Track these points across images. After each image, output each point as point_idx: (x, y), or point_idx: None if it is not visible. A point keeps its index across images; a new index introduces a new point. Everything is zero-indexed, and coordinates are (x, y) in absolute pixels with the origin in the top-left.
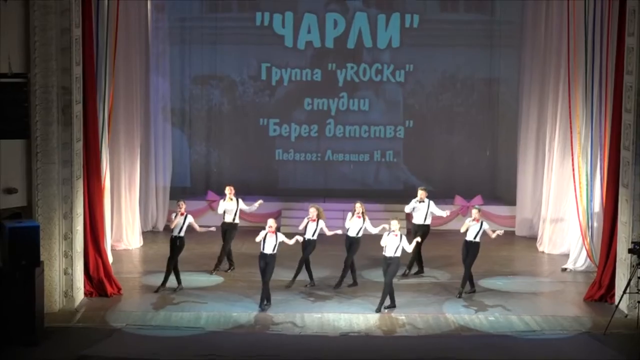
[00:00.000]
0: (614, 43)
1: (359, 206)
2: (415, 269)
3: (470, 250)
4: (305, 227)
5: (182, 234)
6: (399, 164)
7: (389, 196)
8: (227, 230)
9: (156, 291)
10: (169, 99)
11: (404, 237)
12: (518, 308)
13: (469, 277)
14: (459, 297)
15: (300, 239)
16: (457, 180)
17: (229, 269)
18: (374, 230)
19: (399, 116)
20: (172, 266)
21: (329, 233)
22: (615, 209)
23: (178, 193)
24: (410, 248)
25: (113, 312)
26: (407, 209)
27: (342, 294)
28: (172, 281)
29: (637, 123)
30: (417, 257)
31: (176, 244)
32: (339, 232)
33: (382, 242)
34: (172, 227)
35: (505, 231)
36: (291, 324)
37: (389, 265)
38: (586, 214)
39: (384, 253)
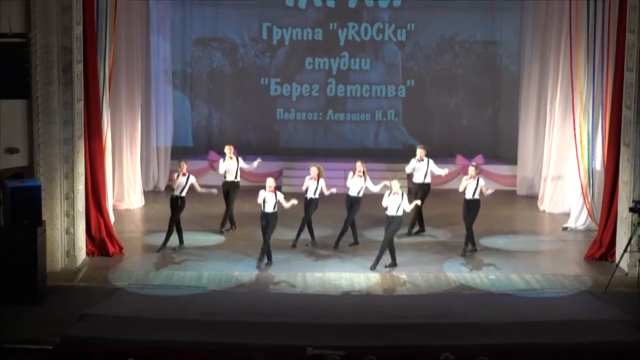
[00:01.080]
0: (616, 2)
1: (359, 165)
2: (416, 228)
3: (471, 208)
4: (307, 186)
5: (183, 193)
6: (399, 123)
7: (390, 156)
8: (230, 189)
9: (158, 251)
10: (170, 61)
11: (405, 196)
12: (519, 266)
13: (471, 236)
14: (463, 255)
15: (295, 202)
16: (458, 139)
17: (230, 228)
18: (375, 189)
19: (400, 76)
20: (174, 226)
21: (326, 192)
22: (616, 167)
23: (180, 153)
24: (409, 208)
25: (115, 271)
26: (408, 169)
27: (344, 253)
28: (173, 241)
29: (639, 82)
30: (418, 216)
31: (177, 204)
32: (334, 190)
33: (384, 203)
34: (175, 186)
35: (506, 190)
36: (292, 283)
37: (390, 223)
38: (587, 173)
39: (386, 212)
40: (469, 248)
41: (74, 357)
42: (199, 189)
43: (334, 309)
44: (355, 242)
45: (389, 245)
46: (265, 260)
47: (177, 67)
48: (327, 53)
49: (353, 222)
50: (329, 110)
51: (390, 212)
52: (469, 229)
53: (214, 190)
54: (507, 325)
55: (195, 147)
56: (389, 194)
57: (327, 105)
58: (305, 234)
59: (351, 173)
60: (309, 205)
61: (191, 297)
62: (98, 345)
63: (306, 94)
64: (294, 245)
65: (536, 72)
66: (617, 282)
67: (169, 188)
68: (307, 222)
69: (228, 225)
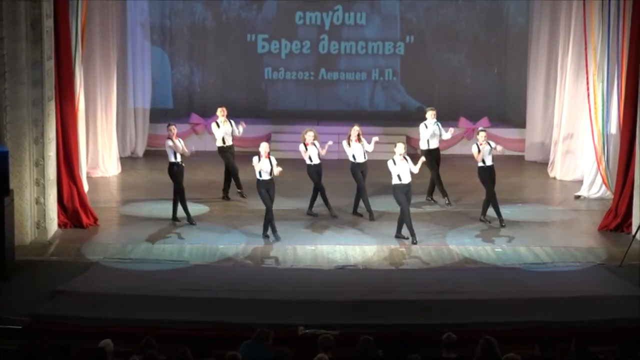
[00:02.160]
0: None
1: (356, 129)
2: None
3: (493, 174)
4: (309, 153)
5: (181, 158)
6: (397, 83)
7: (387, 118)
8: (232, 154)
9: (175, 219)
10: (148, 13)
11: (409, 159)
12: (527, 238)
13: (492, 205)
14: (503, 226)
15: (280, 169)
16: (461, 101)
17: (224, 197)
18: (370, 148)
19: (398, 32)
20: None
21: (323, 152)
22: (633, 131)
23: (159, 116)
24: (417, 169)
25: (89, 244)
26: (425, 137)
27: (339, 224)
28: (168, 211)
29: None
30: (436, 183)
31: (183, 170)
32: (330, 142)
33: (394, 170)
34: (180, 150)
35: (513, 155)
36: (282, 257)
37: (406, 193)
38: (602, 137)
39: (398, 182)
40: (482, 218)
41: (45, 337)
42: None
43: (327, 285)
44: (355, 212)
45: (407, 216)
46: (275, 232)
47: (156, 21)
48: (319, 6)
49: (361, 190)
50: (321, 69)
51: (406, 179)
52: (493, 197)
53: (193, 147)
54: (515, 302)
55: (175, 109)
56: (394, 162)
57: (319, 63)
58: (297, 204)
59: (345, 141)
60: (315, 172)
61: (172, 273)
62: (71, 324)
63: (296, 51)
64: (314, 215)
65: (546, 26)
66: (634, 254)
67: (148, 154)
68: (319, 191)
69: (229, 193)
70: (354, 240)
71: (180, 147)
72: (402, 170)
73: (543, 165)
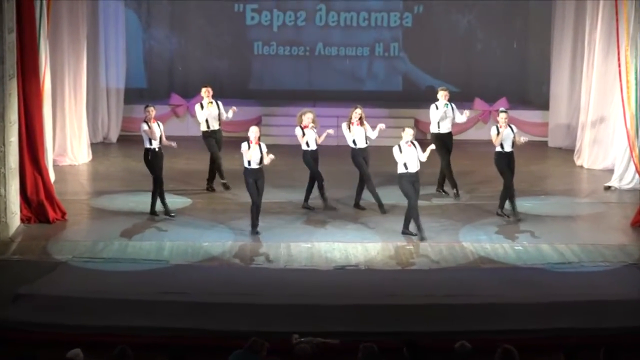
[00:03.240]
0: None
1: (358, 112)
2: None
3: (512, 161)
4: (307, 139)
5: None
6: (404, 59)
7: (393, 99)
8: (218, 140)
9: (170, 215)
10: None
11: (418, 145)
12: (551, 235)
13: (508, 196)
14: (519, 219)
15: (272, 156)
16: (476, 80)
17: (208, 188)
18: (374, 135)
19: (404, 1)
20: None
21: (319, 139)
22: None
23: (134, 96)
24: (425, 157)
25: (56, 241)
26: (436, 119)
27: (338, 219)
28: (146, 205)
29: None
30: (447, 172)
31: (161, 156)
32: (331, 131)
33: (400, 158)
34: (155, 138)
35: (535, 141)
36: (274, 255)
37: (413, 183)
38: (635, 120)
39: (405, 170)
40: (509, 211)
41: (7, 347)
42: (164, 140)
43: (325, 288)
44: (357, 205)
45: (414, 210)
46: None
47: None
48: None
49: (362, 180)
50: (318, 43)
51: (413, 167)
52: (511, 187)
53: (174, 143)
54: (537, 307)
55: (152, 89)
56: (400, 148)
57: (316, 37)
58: (292, 196)
59: (345, 124)
60: (311, 158)
61: (150, 273)
62: (36, 332)
63: (290, 23)
64: (310, 208)
65: None
66: None
67: (122, 139)
68: (317, 180)
69: (207, 184)
70: (355, 236)
71: (157, 133)
72: (409, 157)
73: (568, 152)
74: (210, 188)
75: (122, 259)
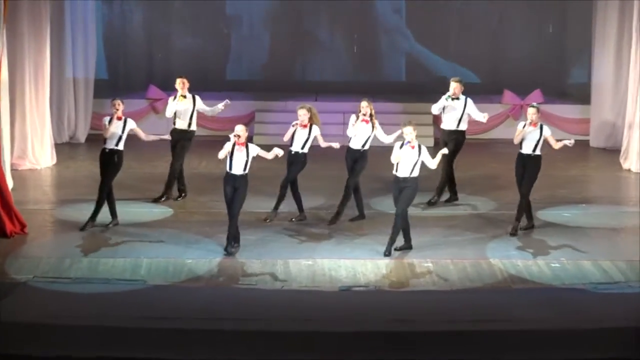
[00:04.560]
0: None
1: (365, 106)
2: (446, 195)
3: (529, 167)
4: (293, 136)
5: (120, 146)
6: (423, 48)
7: (409, 92)
8: (179, 141)
9: (82, 229)
10: None
11: (424, 149)
12: (593, 250)
13: (527, 207)
14: (513, 234)
15: (280, 151)
16: (505, 69)
17: (180, 196)
18: (388, 139)
19: None
20: (106, 192)
21: (323, 144)
22: None
23: (106, 88)
24: (434, 163)
25: (15, 259)
26: (435, 108)
27: (343, 231)
28: (103, 215)
29: None
30: (448, 178)
31: (112, 161)
32: (336, 145)
33: (393, 158)
34: (107, 136)
35: (575, 141)
36: (270, 274)
37: (402, 189)
38: None
39: (394, 172)
40: (524, 225)
41: None
42: (143, 136)
43: (329, 311)
44: (361, 216)
45: (402, 221)
46: (232, 242)
47: None
48: None
49: (357, 187)
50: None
51: (402, 172)
52: (525, 195)
53: (167, 136)
54: (578, 334)
55: (127, 80)
56: (401, 146)
57: (318, 20)
58: (289, 206)
59: (353, 116)
60: (294, 162)
61: (124, 296)
62: None
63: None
64: (266, 219)
65: None
66: None
67: (93, 139)
68: (290, 186)
69: (177, 192)
70: (364, 252)
71: (116, 133)
72: (403, 159)
73: (613, 153)
74: (182, 194)
75: (92, 279)
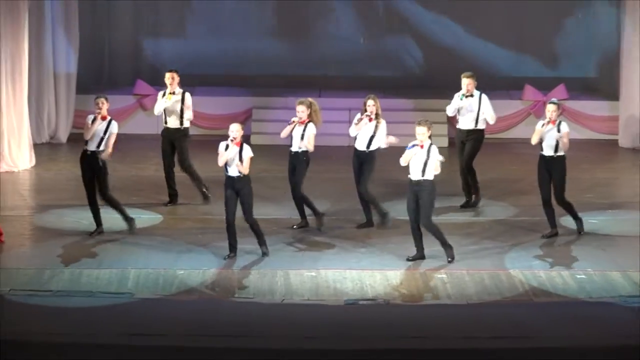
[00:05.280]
0: None
1: (372, 105)
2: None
3: (555, 170)
4: (291, 133)
5: (101, 147)
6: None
7: (419, 87)
8: (174, 141)
9: (91, 234)
10: None
11: (434, 150)
12: (623, 260)
13: (552, 212)
14: (551, 236)
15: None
16: (527, 62)
17: (170, 202)
18: (383, 144)
19: None
20: (110, 195)
21: (309, 146)
22: None
23: (90, 84)
24: (436, 170)
25: None
26: (450, 110)
27: (349, 239)
28: (90, 220)
29: None
30: (464, 180)
31: (97, 165)
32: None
33: (403, 160)
34: (87, 137)
35: (602, 140)
36: (269, 286)
37: (416, 194)
38: None
39: (409, 176)
40: (547, 232)
41: None
42: (110, 150)
43: (333, 327)
44: (368, 223)
45: (433, 227)
46: (230, 251)
47: None
48: None
49: (366, 190)
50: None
51: (414, 174)
52: (562, 201)
53: (107, 157)
54: (606, 352)
55: (112, 74)
56: (411, 146)
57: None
58: (289, 211)
59: (358, 115)
60: (296, 163)
61: (110, 310)
62: None
63: None
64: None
65: None
66: None
67: (75, 139)
68: (292, 190)
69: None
70: (372, 262)
71: (99, 133)
72: (413, 161)
73: None
74: (172, 200)
75: (74, 292)
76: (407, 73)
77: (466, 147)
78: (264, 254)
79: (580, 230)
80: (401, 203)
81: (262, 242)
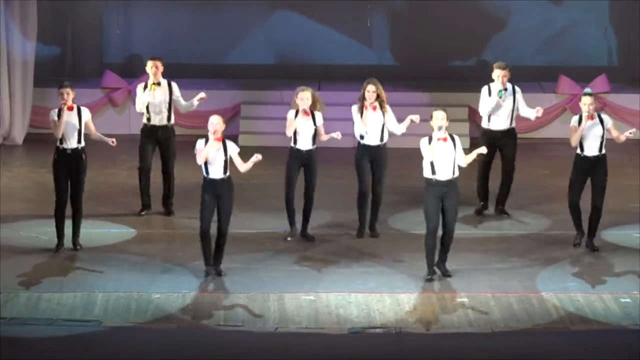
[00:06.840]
0: None
1: (372, 90)
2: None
3: (597, 172)
4: (295, 127)
5: (82, 143)
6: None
7: (434, 77)
8: (161, 141)
9: (56, 251)
10: None
11: (458, 141)
12: None
13: (578, 216)
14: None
15: (259, 157)
16: (561, 51)
17: (142, 211)
18: (400, 129)
19: None
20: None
21: (324, 137)
22: None
23: (49, 73)
24: (466, 161)
25: None
26: (484, 109)
27: (353, 257)
28: (51, 235)
29: None
30: (487, 185)
31: (80, 164)
32: (337, 135)
33: (426, 156)
34: (58, 134)
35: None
36: (259, 311)
37: (443, 198)
38: None
39: (430, 175)
40: (577, 240)
41: None
42: (94, 132)
43: (337, 359)
44: (372, 231)
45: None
46: (211, 268)
47: None
48: None
49: (360, 196)
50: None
51: (443, 174)
52: (601, 209)
53: (112, 140)
54: None
55: (76, 63)
56: (430, 140)
57: None
58: (283, 221)
59: (355, 108)
60: (306, 164)
61: (74, 340)
62: None
63: None
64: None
65: None
66: None
67: (32, 140)
68: (286, 194)
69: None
70: (380, 283)
71: (74, 127)
72: (440, 157)
73: None
74: (144, 209)
75: (32, 320)
76: (423, 62)
77: (505, 151)
78: (219, 274)
79: (594, 249)
80: (411, 215)
81: (219, 260)
